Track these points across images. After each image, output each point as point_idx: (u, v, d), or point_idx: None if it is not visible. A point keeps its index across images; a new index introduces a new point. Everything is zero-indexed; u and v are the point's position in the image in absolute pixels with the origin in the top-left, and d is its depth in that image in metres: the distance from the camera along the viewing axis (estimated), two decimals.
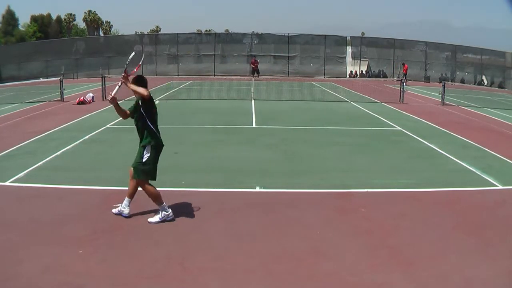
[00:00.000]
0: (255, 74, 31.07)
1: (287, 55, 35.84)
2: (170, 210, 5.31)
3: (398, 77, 29.91)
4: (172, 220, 5.28)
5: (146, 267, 4.21)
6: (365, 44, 37.51)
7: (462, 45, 36.71)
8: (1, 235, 4.91)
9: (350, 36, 38.69)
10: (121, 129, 11.63)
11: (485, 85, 32.80)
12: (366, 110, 15.45)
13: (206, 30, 64.66)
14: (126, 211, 5.36)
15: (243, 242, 4.80)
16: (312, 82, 29.17)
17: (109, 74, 26.52)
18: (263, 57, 36.07)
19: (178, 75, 34.10)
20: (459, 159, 8.52)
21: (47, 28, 58.79)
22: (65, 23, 66.46)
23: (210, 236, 4.94)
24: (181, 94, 20.65)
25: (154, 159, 5.21)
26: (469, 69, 34.88)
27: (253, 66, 32.01)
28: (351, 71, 36.67)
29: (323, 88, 24.88)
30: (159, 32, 65.30)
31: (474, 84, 33.20)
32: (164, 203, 5.27)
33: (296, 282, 4.01)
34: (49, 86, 22.99)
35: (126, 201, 5.36)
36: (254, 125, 12.41)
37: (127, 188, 5.34)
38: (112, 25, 75.57)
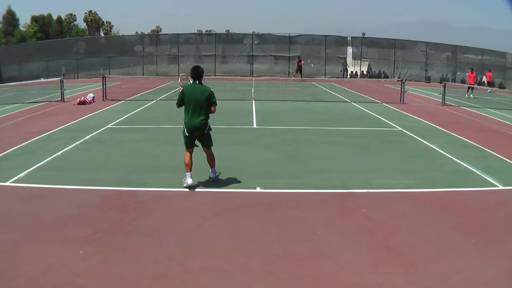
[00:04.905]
0: (297, 74, 30.26)
1: (288, 55, 35.80)
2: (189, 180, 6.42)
3: (399, 78, 29.86)
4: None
5: (147, 267, 4.22)
6: (365, 44, 37.50)
7: (463, 45, 36.71)
8: (2, 235, 4.92)
9: (351, 36, 38.73)
10: (121, 129, 11.65)
11: (486, 86, 32.76)
12: (367, 110, 15.45)
13: (206, 31, 64.76)
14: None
15: (244, 242, 4.81)
16: (313, 82, 29.15)
17: (109, 74, 26.59)
18: (264, 58, 36.06)
19: (178, 75, 34.02)
20: (459, 159, 8.52)
21: (47, 28, 58.96)
22: (65, 23, 66.65)
23: (211, 236, 4.95)
24: None
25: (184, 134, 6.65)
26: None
27: (298, 65, 30.82)
28: (352, 71, 36.66)
29: (324, 88, 24.88)
30: (160, 33, 65.42)
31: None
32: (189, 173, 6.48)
33: (297, 282, 4.01)
34: (50, 86, 23.02)
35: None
36: (254, 125, 12.40)
37: (127, 188, 5.34)
38: (112, 25, 75.85)
